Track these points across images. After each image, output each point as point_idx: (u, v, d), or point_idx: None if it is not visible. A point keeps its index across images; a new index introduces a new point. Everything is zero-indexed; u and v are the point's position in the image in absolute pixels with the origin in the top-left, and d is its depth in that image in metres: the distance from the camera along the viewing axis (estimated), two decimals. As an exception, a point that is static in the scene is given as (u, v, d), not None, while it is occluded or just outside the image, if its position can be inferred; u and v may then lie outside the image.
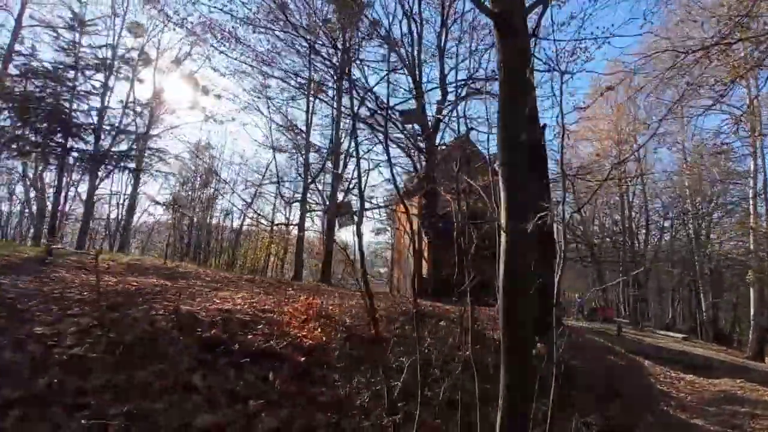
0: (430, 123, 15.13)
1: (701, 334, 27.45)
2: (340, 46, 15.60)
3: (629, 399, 6.34)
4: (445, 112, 15.44)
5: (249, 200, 24.60)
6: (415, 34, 15.60)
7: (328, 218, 18.12)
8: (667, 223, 35.13)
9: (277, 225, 25.55)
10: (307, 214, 22.95)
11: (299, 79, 17.58)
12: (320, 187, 21.22)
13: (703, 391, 9.21)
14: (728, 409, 7.52)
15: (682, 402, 7.62)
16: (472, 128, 13.54)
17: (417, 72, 15.58)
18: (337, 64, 16.44)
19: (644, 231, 34.36)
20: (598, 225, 39.23)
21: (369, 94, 16.14)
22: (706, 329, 27.43)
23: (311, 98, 19.21)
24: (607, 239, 36.69)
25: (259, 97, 19.32)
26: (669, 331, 25.71)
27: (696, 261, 28.35)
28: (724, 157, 26.49)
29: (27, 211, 27.20)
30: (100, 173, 22.61)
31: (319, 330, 6.42)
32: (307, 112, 19.70)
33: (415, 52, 15.67)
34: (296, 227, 21.28)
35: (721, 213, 29.83)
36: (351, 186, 19.21)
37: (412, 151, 16.49)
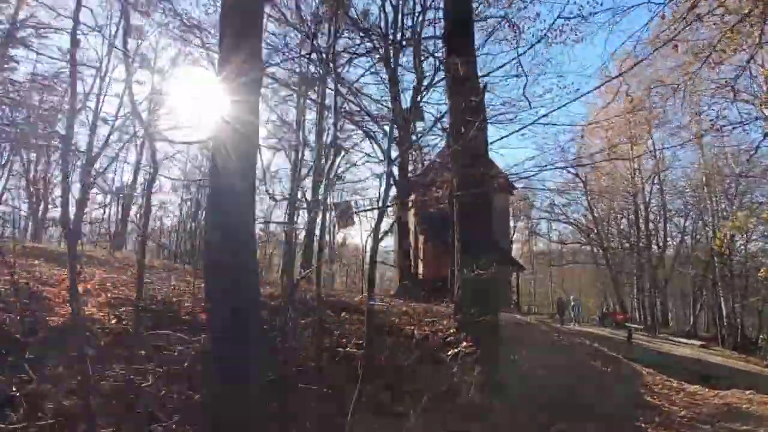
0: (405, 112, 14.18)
1: (723, 341, 25.65)
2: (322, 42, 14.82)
3: (595, 415, 5.35)
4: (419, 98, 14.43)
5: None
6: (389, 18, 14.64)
7: (310, 216, 17.21)
8: (688, 223, 33.33)
9: (262, 223, 24.88)
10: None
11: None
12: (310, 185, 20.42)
13: (703, 405, 8.06)
14: (725, 427, 6.43)
15: (670, 418, 6.56)
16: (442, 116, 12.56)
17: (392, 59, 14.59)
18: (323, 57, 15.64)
19: (662, 232, 32.54)
20: (616, 228, 37.46)
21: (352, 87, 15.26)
22: (727, 336, 25.62)
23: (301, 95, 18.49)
24: (626, 244, 34.92)
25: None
26: (688, 338, 24.10)
27: (716, 263, 26.58)
28: (746, 152, 24.89)
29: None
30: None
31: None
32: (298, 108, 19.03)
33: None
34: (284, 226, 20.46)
35: (746, 213, 28.01)
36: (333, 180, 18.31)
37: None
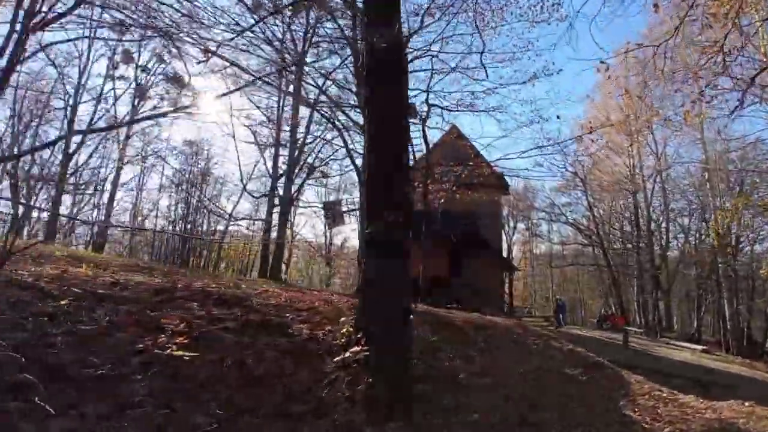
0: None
1: (727, 345, 24.52)
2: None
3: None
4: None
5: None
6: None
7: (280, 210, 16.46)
8: (691, 222, 32.18)
9: (240, 220, 24.27)
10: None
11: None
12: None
13: (693, 420, 7.09)
14: (714, 449, 5.50)
15: (650, 436, 5.68)
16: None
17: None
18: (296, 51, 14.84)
19: (664, 232, 31.41)
20: (619, 228, 36.25)
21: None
22: (732, 340, 24.47)
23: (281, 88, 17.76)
24: (628, 245, 33.71)
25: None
26: (691, 342, 23.05)
27: (719, 263, 25.47)
28: (752, 148, 23.87)
29: None
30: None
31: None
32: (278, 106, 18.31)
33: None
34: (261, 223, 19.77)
35: (752, 212, 26.89)
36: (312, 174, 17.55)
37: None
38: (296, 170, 16.32)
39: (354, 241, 55.61)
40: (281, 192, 17.59)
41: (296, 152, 15.78)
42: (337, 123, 13.92)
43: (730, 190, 26.03)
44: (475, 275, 20.91)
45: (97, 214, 27.12)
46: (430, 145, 21.60)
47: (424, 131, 12.37)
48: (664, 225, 31.70)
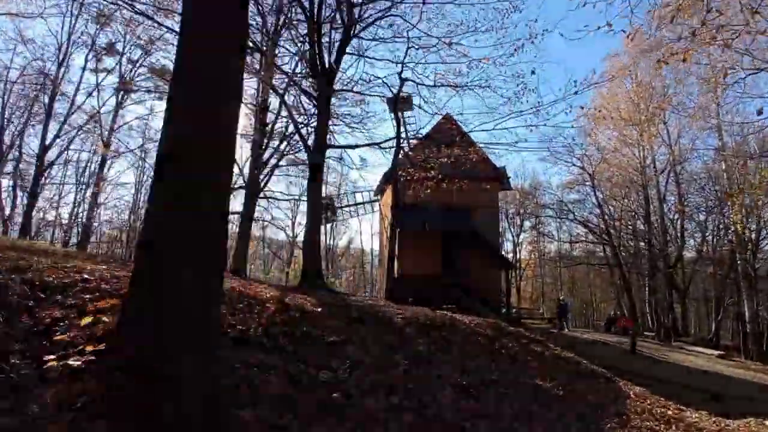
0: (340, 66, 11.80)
1: (747, 350, 22.65)
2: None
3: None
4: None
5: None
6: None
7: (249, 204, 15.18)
8: (710, 221, 30.14)
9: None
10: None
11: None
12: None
13: (699, 447, 5.70)
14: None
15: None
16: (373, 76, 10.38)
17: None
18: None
19: (680, 229, 29.43)
20: (631, 224, 34.24)
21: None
22: (752, 345, 22.59)
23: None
24: (641, 243, 31.72)
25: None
26: (708, 347, 21.27)
27: (738, 260, 23.61)
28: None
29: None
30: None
31: None
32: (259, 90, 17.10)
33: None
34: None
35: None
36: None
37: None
38: (264, 159, 15.07)
39: (357, 243, 54.31)
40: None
41: (264, 139, 14.54)
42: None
43: (749, 180, 24.15)
44: (469, 273, 19.49)
45: (80, 210, 26.31)
46: (420, 135, 20.22)
47: (395, 107, 11.02)
48: (679, 222, 29.74)
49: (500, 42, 10.44)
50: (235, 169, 16.50)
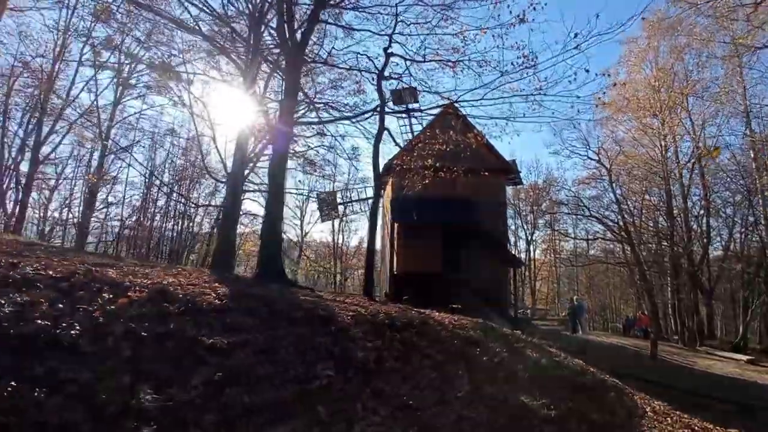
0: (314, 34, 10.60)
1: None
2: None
3: None
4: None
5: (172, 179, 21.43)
6: None
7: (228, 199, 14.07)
8: (738, 217, 28.04)
9: (201, 206, 22.33)
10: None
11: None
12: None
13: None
14: None
15: None
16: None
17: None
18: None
19: (705, 225, 27.47)
20: (652, 220, 32.24)
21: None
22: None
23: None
24: (664, 243, 29.73)
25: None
26: (735, 351, 19.51)
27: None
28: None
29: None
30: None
31: None
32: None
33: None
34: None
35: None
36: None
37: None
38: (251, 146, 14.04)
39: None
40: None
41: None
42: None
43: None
44: (473, 270, 18.18)
45: (78, 209, 25.78)
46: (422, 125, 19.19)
47: (379, 85, 9.83)
48: (704, 218, 27.78)
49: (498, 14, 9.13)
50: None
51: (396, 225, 18.70)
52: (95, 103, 23.50)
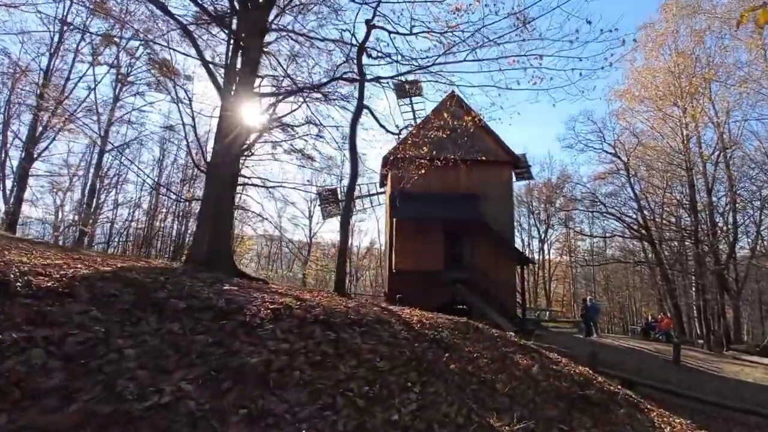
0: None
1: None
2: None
3: None
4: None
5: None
6: None
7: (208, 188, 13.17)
8: (765, 212, 26.07)
9: (184, 200, 21.54)
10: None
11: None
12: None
13: None
14: None
15: None
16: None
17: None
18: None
19: (731, 220, 25.64)
20: (674, 217, 30.37)
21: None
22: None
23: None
24: (687, 242, 27.90)
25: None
26: (764, 356, 17.85)
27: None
28: None
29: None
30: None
31: None
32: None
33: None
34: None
35: None
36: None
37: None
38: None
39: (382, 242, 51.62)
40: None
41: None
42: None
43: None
44: (477, 268, 16.98)
45: (79, 206, 25.32)
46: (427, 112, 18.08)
47: (359, 59, 8.77)
48: (730, 213, 25.95)
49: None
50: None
51: (394, 221, 17.62)
52: (93, 97, 23.11)
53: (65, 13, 22.16)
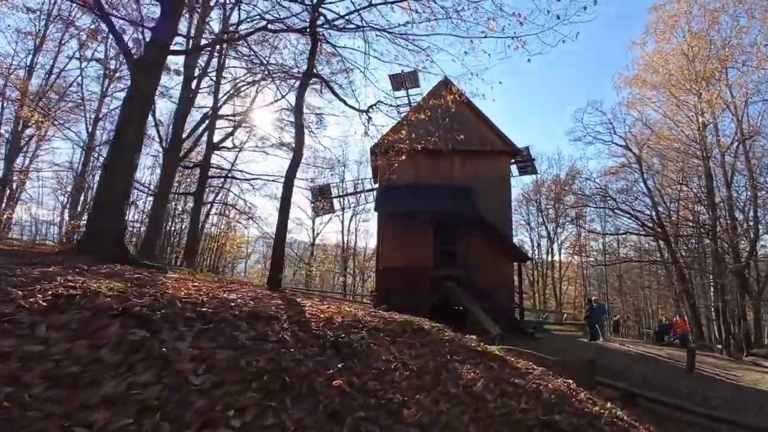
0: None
1: None
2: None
3: None
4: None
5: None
6: None
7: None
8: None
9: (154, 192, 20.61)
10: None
11: None
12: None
13: None
14: None
15: None
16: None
17: None
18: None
19: (752, 216, 23.78)
20: (692, 213, 28.44)
21: None
22: None
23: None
24: (706, 239, 25.99)
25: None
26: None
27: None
28: None
29: None
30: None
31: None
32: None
33: None
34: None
35: None
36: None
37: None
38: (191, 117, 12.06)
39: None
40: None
41: (191, 94, 11.57)
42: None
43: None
44: (472, 266, 15.65)
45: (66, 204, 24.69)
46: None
47: (312, 21, 7.57)
48: (750, 208, 24.08)
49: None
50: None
51: (380, 215, 16.42)
52: (81, 92, 22.36)
53: (51, 8, 21.57)
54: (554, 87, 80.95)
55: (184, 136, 12.36)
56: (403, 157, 12.06)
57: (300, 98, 7.53)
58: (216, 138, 15.58)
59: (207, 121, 14.21)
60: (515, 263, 17.14)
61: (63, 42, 21.99)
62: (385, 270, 15.97)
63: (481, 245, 16.06)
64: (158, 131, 12.32)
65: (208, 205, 25.32)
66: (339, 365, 3.12)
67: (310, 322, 3.71)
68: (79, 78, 22.57)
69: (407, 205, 15.86)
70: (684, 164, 23.16)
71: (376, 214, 17.59)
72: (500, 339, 11.65)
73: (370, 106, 9.85)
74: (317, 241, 45.85)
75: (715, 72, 19.59)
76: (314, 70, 7.60)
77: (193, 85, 11.94)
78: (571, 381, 5.62)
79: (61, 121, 22.30)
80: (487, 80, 8.79)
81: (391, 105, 10.54)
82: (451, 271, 15.37)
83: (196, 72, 11.99)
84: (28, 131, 21.62)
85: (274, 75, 10.31)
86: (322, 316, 4.05)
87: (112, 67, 24.23)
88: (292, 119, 17.46)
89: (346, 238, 42.07)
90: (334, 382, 2.83)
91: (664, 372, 12.30)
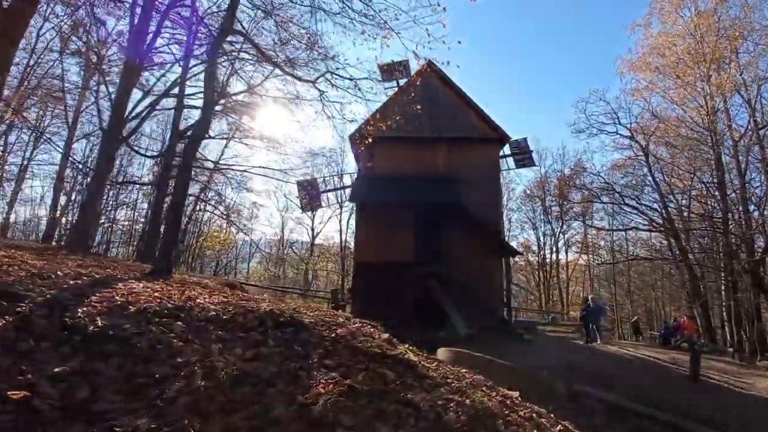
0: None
1: None
2: None
3: None
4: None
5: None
6: None
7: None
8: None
9: (129, 183, 19.83)
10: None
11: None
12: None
13: None
14: None
15: None
16: None
17: None
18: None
19: (766, 208, 22.06)
20: (704, 208, 26.63)
21: None
22: None
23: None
24: (719, 234, 24.22)
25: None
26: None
27: None
28: None
29: None
30: None
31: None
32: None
33: None
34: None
35: None
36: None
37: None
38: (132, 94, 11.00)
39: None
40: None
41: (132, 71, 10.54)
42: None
43: None
44: (456, 261, 14.43)
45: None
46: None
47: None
48: (765, 201, 22.35)
49: None
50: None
51: (355, 206, 15.30)
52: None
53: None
54: (561, 79, 79.10)
55: (128, 115, 11.40)
56: (369, 140, 11.03)
57: (212, 62, 6.39)
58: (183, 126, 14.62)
59: (150, 103, 13.25)
60: (501, 258, 15.83)
61: (41, 33, 21.24)
62: (362, 265, 14.81)
63: (467, 240, 14.81)
64: (98, 108, 11.40)
65: (193, 201, 24.34)
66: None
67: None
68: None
69: (386, 196, 14.73)
70: (693, 153, 21.53)
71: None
72: (475, 340, 10.48)
73: (318, 77, 8.73)
74: (321, 241, 45.07)
75: (725, 53, 18.05)
76: (233, 18, 6.42)
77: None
78: (515, 393, 4.42)
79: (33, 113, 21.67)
80: (448, 42, 7.65)
81: (344, 78, 9.37)
82: (432, 268, 14.17)
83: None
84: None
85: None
86: (198, 308, 2.90)
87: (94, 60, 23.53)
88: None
89: (344, 237, 40.92)
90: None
91: (662, 379, 10.94)
